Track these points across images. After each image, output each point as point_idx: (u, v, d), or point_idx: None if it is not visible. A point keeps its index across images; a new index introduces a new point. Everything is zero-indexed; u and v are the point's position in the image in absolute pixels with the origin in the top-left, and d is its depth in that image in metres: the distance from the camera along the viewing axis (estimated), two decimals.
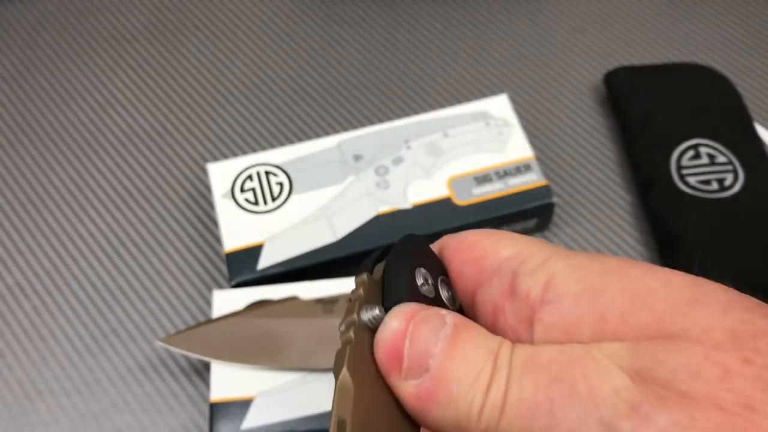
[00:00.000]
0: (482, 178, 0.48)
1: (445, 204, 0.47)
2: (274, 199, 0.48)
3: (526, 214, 0.48)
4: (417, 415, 0.20)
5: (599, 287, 0.19)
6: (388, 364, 0.20)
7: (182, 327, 0.48)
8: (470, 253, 0.23)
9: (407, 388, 0.20)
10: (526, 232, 0.50)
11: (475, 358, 0.19)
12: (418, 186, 0.48)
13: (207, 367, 0.45)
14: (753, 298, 0.19)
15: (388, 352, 0.20)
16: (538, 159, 0.55)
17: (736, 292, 0.19)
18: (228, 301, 0.44)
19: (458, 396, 0.19)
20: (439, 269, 0.24)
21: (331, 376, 0.41)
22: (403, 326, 0.20)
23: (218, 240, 0.51)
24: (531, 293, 0.21)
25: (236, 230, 0.47)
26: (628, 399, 0.17)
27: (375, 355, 0.21)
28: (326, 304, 0.42)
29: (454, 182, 0.48)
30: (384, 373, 0.20)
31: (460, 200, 0.48)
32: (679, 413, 0.16)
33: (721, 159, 0.51)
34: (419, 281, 0.22)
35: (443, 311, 0.21)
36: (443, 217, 0.47)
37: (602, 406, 0.17)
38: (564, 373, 0.18)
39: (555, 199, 0.49)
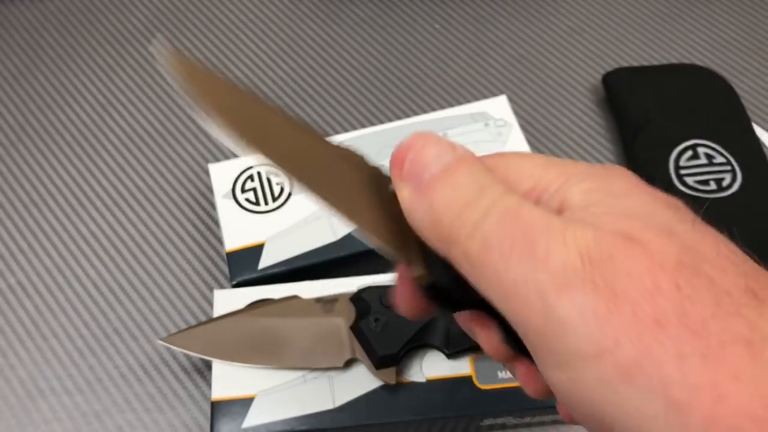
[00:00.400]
0: None
1: None
2: (274, 199, 0.48)
3: None
4: (406, 215, 0.23)
5: (606, 209, 0.21)
6: (393, 166, 0.24)
7: (183, 326, 0.48)
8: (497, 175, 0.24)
9: (403, 191, 0.23)
10: None
11: (463, 185, 0.22)
12: None
13: (208, 366, 0.45)
14: (748, 262, 0.20)
15: (396, 156, 0.24)
16: None
17: (727, 242, 0.21)
18: (229, 300, 0.44)
19: (438, 207, 0.22)
20: None
21: (330, 375, 0.41)
22: (414, 141, 0.24)
23: (219, 240, 0.51)
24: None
25: (237, 230, 0.47)
26: (567, 275, 0.19)
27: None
28: (326, 303, 0.42)
29: None
30: (391, 175, 0.24)
31: None
32: (601, 303, 0.18)
33: (719, 159, 0.51)
34: None
35: (458, 145, 0.23)
36: None
37: (546, 272, 0.19)
38: (534, 234, 0.20)
39: None
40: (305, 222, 0.47)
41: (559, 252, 0.19)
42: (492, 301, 0.21)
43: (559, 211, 0.22)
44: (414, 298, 0.26)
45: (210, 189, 0.53)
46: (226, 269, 0.49)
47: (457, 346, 0.41)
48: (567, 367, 0.19)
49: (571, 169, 0.23)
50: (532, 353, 0.21)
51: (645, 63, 0.61)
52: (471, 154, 0.23)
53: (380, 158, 0.49)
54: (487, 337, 0.26)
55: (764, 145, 0.53)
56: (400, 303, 0.27)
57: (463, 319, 0.27)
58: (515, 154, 0.25)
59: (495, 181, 0.22)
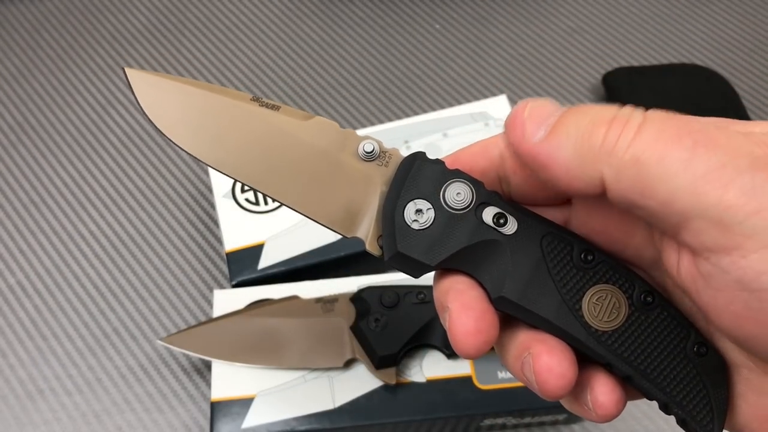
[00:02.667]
0: None
1: None
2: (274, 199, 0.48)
3: None
4: (539, 165, 0.22)
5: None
6: (511, 127, 0.23)
7: (183, 326, 0.48)
8: None
9: (529, 145, 0.22)
10: None
11: (599, 108, 0.21)
12: None
13: (208, 366, 0.45)
14: None
15: (513, 116, 0.23)
16: None
17: None
18: (229, 300, 0.44)
19: (583, 128, 0.21)
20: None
21: (330, 375, 0.41)
22: (523, 104, 0.23)
23: (219, 240, 0.51)
24: None
25: (237, 230, 0.47)
26: (759, 161, 0.19)
27: (505, 135, 0.23)
28: (326, 303, 0.42)
29: None
30: (510, 141, 0.23)
31: None
32: None
33: None
34: (410, 216, 0.24)
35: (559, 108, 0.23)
36: None
37: (740, 156, 0.19)
38: (707, 128, 0.20)
39: None
40: (305, 222, 0.47)
41: (741, 142, 0.19)
42: (658, 213, 0.20)
43: None
44: (486, 314, 0.24)
45: (210, 189, 0.53)
46: (225, 269, 0.49)
47: None
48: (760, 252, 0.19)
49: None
50: (707, 250, 0.20)
51: (645, 63, 0.61)
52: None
53: None
54: (554, 360, 0.23)
55: None
56: (468, 325, 0.23)
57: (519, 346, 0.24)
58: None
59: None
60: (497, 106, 0.52)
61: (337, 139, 0.26)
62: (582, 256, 0.24)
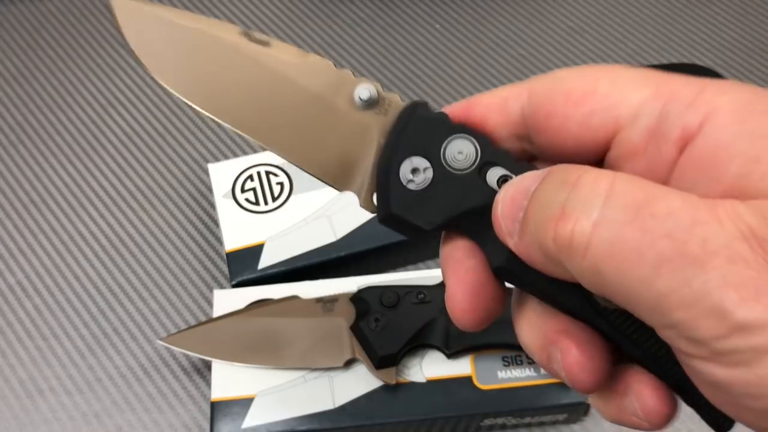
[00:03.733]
0: None
1: None
2: (274, 199, 0.48)
3: None
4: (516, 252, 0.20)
5: (763, 131, 0.18)
6: (496, 225, 0.21)
7: (183, 326, 0.48)
8: (590, 102, 0.21)
9: (511, 245, 0.20)
10: None
11: (551, 196, 0.19)
12: None
13: (208, 366, 0.45)
14: None
15: (493, 214, 0.21)
16: None
17: None
18: (229, 300, 0.44)
19: (534, 223, 0.19)
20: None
21: (330, 375, 0.41)
22: (500, 194, 0.21)
23: (219, 240, 0.51)
24: (686, 129, 0.19)
25: (237, 230, 0.47)
26: (737, 270, 0.16)
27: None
28: (326, 303, 0.42)
29: None
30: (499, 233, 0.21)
31: None
32: None
33: None
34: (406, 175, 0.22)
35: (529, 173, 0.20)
36: None
37: (710, 273, 0.16)
38: (678, 225, 0.17)
39: None
40: (305, 222, 0.47)
41: (717, 239, 0.16)
42: (635, 312, 0.18)
43: (701, 127, 0.19)
44: (483, 288, 0.22)
45: (210, 189, 0.53)
46: (225, 269, 0.49)
47: (457, 346, 0.41)
48: (751, 363, 0.16)
49: (700, 81, 0.19)
50: (683, 353, 0.18)
51: (645, 63, 0.61)
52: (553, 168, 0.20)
53: None
54: (585, 356, 0.21)
55: None
56: (462, 301, 0.22)
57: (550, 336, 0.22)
58: (587, 73, 0.21)
59: (590, 169, 0.19)
60: None
61: (332, 82, 0.24)
62: None
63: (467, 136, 0.22)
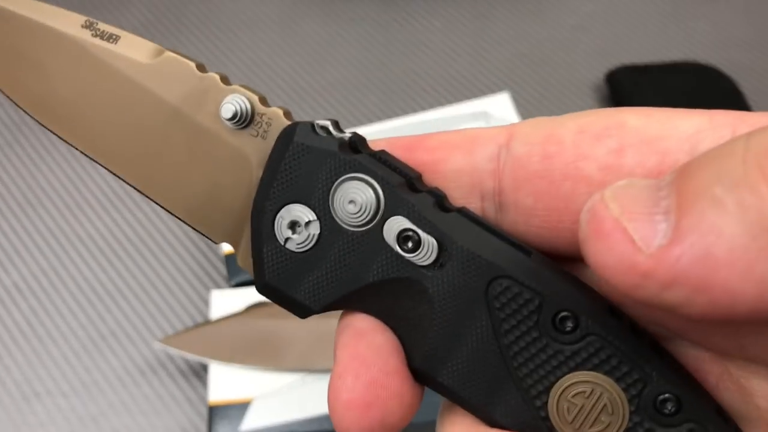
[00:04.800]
0: None
1: None
2: None
3: None
4: (686, 286, 0.13)
5: None
6: (603, 244, 0.14)
7: (180, 328, 0.47)
8: (644, 138, 0.15)
9: (651, 257, 0.13)
10: None
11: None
12: None
13: (205, 368, 0.45)
14: None
15: (594, 226, 0.14)
16: None
17: None
18: (226, 301, 0.43)
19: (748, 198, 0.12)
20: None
21: (328, 378, 0.41)
22: (596, 199, 0.15)
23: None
24: None
25: None
26: None
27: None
28: None
29: None
30: (606, 264, 0.14)
31: None
32: None
33: None
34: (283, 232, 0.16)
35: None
36: None
37: None
38: None
39: None
40: None
41: None
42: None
43: None
44: (389, 378, 0.17)
45: None
46: (223, 270, 0.49)
47: None
48: None
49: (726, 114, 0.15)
50: None
51: (649, 61, 0.61)
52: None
53: None
54: None
55: None
56: (353, 390, 0.16)
57: None
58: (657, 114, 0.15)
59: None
60: (499, 105, 0.51)
61: (194, 91, 0.17)
62: (556, 320, 0.14)
63: (364, 176, 0.15)
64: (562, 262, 0.16)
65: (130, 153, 0.19)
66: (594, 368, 0.14)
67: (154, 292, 0.49)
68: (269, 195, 0.16)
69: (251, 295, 0.44)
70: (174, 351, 0.42)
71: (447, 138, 0.17)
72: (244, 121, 0.17)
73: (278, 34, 0.63)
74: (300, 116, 0.58)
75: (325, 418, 0.40)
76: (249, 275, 0.46)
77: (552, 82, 0.60)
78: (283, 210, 0.16)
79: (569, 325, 0.14)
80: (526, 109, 0.58)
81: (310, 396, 0.40)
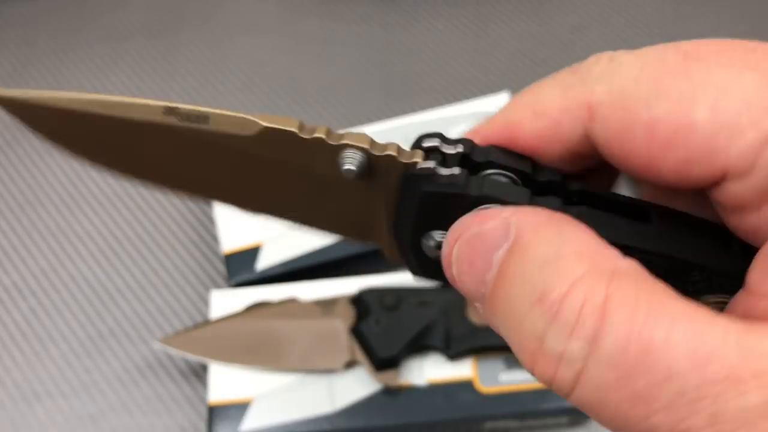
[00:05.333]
0: None
1: None
2: None
3: None
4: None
5: None
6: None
7: (180, 328, 0.47)
8: (685, 145, 0.15)
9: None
10: None
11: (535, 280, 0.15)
12: None
13: (205, 368, 0.45)
14: None
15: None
16: None
17: None
18: (226, 301, 0.43)
19: (505, 326, 0.15)
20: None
21: (329, 378, 0.41)
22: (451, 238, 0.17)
23: (216, 240, 0.51)
24: None
25: (235, 230, 0.46)
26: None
27: None
28: (325, 305, 0.42)
29: None
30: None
31: None
32: None
33: None
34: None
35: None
36: None
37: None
38: (680, 402, 0.13)
39: None
40: None
41: (733, 415, 0.13)
42: None
43: None
44: None
45: None
46: (223, 269, 0.49)
47: (459, 348, 0.41)
48: None
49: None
50: None
51: None
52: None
53: None
54: None
55: None
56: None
57: None
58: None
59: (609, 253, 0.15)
60: (499, 105, 0.51)
61: (306, 152, 0.19)
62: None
63: (494, 205, 0.17)
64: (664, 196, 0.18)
65: (284, 207, 0.20)
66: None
67: (154, 292, 0.49)
68: (406, 234, 0.18)
69: (251, 295, 0.44)
70: (174, 351, 0.42)
71: (532, 127, 0.18)
72: (365, 174, 0.18)
73: (278, 33, 0.63)
74: (300, 115, 0.58)
75: (325, 418, 0.40)
76: (249, 275, 0.46)
77: None
78: (423, 237, 0.18)
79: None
80: None
81: (310, 396, 0.40)
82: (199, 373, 0.45)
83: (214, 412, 0.40)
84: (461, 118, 0.51)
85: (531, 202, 0.17)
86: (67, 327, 0.47)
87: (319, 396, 0.40)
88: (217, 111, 0.18)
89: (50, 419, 0.44)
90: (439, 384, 0.41)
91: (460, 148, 0.18)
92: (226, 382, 0.41)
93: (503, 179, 0.17)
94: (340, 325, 0.41)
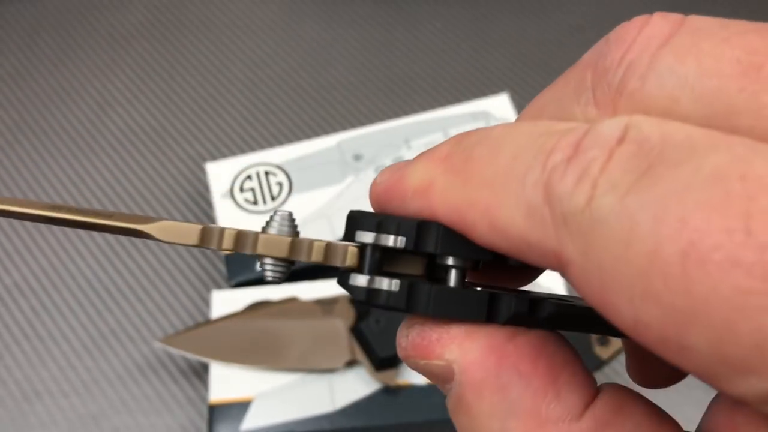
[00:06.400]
0: None
1: None
2: (273, 198, 0.48)
3: None
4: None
5: None
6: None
7: (181, 327, 0.47)
8: None
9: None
10: None
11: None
12: None
13: (206, 368, 0.45)
14: None
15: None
16: None
17: None
18: (227, 301, 0.43)
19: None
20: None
21: (329, 378, 0.41)
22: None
23: None
24: None
25: None
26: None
27: None
28: (326, 305, 0.42)
29: None
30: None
31: None
32: None
33: None
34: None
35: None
36: None
37: None
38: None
39: None
40: (304, 222, 0.47)
41: None
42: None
43: None
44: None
45: (207, 188, 0.53)
46: (223, 269, 0.49)
47: None
48: None
49: None
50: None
51: None
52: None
53: (380, 157, 0.49)
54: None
55: None
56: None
57: None
58: None
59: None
60: (499, 105, 0.51)
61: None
62: None
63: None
64: None
65: None
66: None
67: (155, 292, 0.49)
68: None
69: (251, 295, 0.44)
70: (174, 350, 0.42)
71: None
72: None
73: (278, 34, 0.63)
74: (301, 116, 0.58)
75: (325, 418, 0.40)
76: (249, 275, 0.46)
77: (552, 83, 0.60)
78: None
79: None
80: None
81: (311, 395, 0.40)
82: (200, 373, 0.45)
83: (215, 412, 0.40)
84: (461, 118, 0.51)
85: (489, 318, 0.14)
86: (68, 326, 0.47)
87: (319, 395, 0.40)
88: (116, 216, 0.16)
89: (51, 418, 0.44)
90: None
91: (401, 242, 0.15)
92: (226, 381, 0.41)
93: (453, 279, 0.15)
94: (340, 324, 0.41)
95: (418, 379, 0.41)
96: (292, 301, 0.42)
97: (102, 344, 0.47)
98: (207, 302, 0.48)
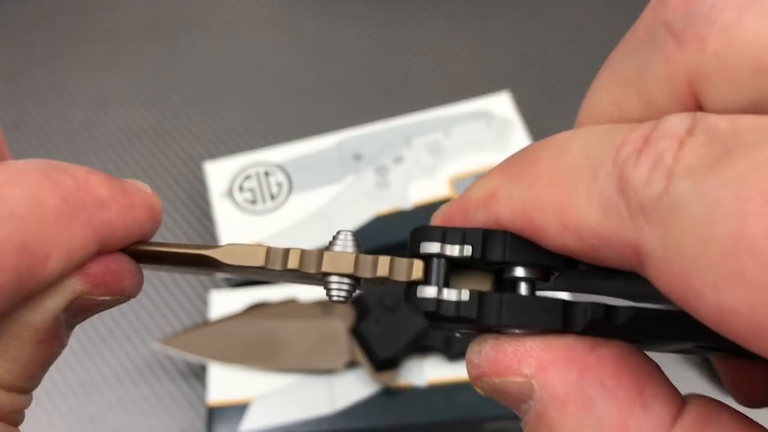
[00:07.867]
0: None
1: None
2: (273, 198, 0.47)
3: None
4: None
5: None
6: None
7: (179, 328, 0.47)
8: None
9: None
10: None
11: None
12: (419, 186, 0.48)
13: (204, 369, 0.45)
14: None
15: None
16: None
17: None
18: (226, 301, 0.43)
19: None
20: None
21: (329, 379, 0.41)
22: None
23: (216, 240, 0.51)
24: None
25: (235, 230, 0.46)
26: None
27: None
28: (325, 305, 0.42)
29: (455, 182, 0.48)
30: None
31: None
32: None
33: None
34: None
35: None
36: None
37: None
38: None
39: None
40: (304, 222, 0.46)
41: None
42: None
43: None
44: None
45: (206, 187, 0.53)
46: None
47: (459, 348, 0.40)
48: None
49: None
50: None
51: None
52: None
53: (381, 157, 0.49)
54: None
55: None
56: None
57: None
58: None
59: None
60: (499, 104, 0.51)
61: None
62: None
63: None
64: None
65: None
66: None
67: (154, 293, 0.49)
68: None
69: (251, 295, 0.43)
70: (173, 351, 0.41)
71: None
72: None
73: (278, 33, 0.63)
74: (300, 115, 0.58)
75: (324, 419, 0.40)
76: (248, 276, 0.45)
77: (552, 82, 0.59)
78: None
79: None
80: (526, 109, 0.58)
81: (310, 396, 0.40)
82: (199, 374, 0.45)
83: (214, 413, 0.40)
84: (462, 117, 0.50)
85: (565, 326, 0.14)
86: None
87: (318, 396, 0.40)
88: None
89: (49, 420, 0.44)
90: (439, 384, 0.40)
91: (467, 250, 0.15)
92: (225, 382, 0.40)
93: (524, 288, 0.14)
94: (340, 325, 0.41)
95: (418, 381, 0.41)
96: (292, 302, 0.42)
97: (100, 345, 0.46)
98: (206, 303, 0.48)
